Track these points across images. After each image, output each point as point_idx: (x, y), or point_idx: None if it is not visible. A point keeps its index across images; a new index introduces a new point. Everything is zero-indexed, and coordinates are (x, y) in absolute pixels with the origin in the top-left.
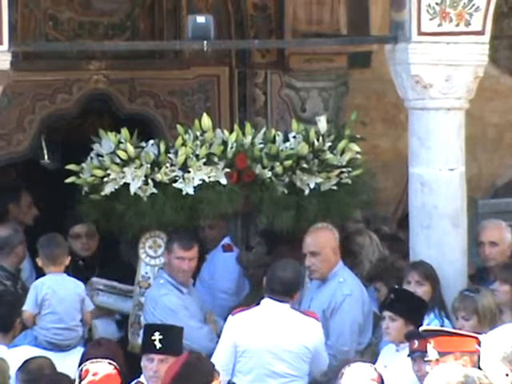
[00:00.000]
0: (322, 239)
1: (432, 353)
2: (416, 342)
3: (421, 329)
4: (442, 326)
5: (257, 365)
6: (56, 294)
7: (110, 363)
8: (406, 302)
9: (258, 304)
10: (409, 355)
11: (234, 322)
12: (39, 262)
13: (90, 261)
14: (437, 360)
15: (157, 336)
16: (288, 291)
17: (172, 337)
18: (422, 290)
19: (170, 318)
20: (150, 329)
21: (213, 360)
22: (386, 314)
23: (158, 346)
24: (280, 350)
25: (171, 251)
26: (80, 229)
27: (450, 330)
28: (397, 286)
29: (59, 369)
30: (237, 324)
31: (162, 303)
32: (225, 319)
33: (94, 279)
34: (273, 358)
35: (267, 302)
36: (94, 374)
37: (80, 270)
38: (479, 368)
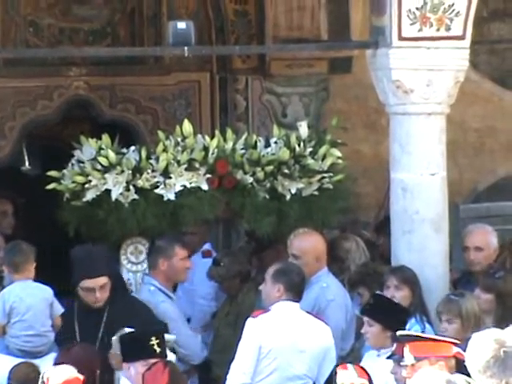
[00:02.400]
0: (305, 244)
1: (408, 357)
2: (395, 344)
3: (397, 333)
4: (423, 331)
5: (280, 366)
6: (23, 301)
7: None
8: (383, 308)
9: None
10: (388, 357)
11: (256, 324)
12: (5, 269)
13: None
14: (412, 365)
15: (154, 341)
16: (302, 291)
17: (164, 340)
18: (400, 295)
19: (169, 326)
20: (145, 334)
21: (236, 364)
22: (365, 318)
23: (158, 350)
24: (302, 352)
25: (173, 255)
26: (94, 283)
27: (424, 336)
28: (379, 292)
29: None
30: (260, 325)
31: (161, 310)
32: (205, 325)
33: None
34: (296, 360)
35: (284, 305)
36: (53, 381)
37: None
38: (461, 372)
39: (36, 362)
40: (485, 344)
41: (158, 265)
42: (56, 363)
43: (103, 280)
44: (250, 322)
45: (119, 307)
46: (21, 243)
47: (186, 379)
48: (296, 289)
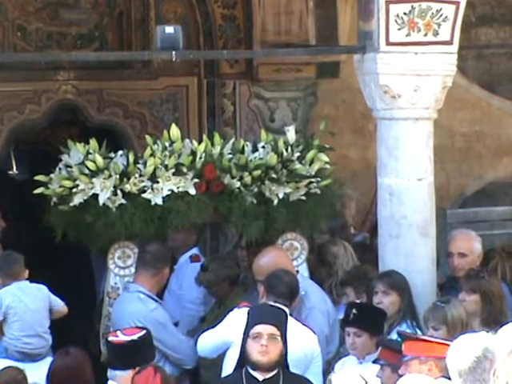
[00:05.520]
0: (267, 264)
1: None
2: (379, 349)
3: (399, 332)
4: None
5: None
6: (21, 301)
7: None
8: (369, 316)
9: None
10: (373, 361)
11: (239, 314)
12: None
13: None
14: (406, 363)
15: None
16: (292, 295)
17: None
18: (388, 300)
19: (161, 332)
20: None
21: (201, 343)
22: (351, 330)
23: None
24: None
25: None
26: (263, 328)
27: (419, 336)
28: (357, 301)
29: (32, 379)
30: (242, 315)
31: (152, 318)
32: (193, 330)
33: None
34: None
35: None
36: None
37: None
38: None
39: (33, 365)
40: (462, 349)
41: (162, 272)
42: (53, 365)
43: (274, 330)
44: (234, 310)
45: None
46: (12, 253)
47: None
48: (276, 289)
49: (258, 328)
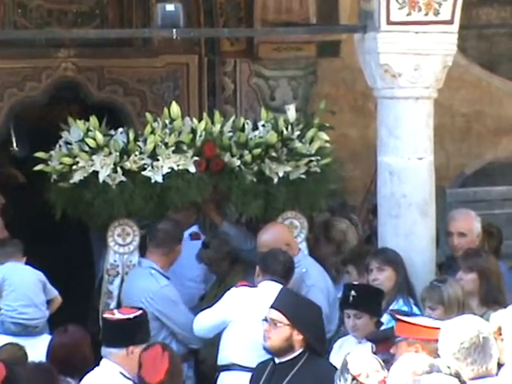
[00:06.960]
0: (270, 239)
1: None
2: (373, 346)
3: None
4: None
5: (253, 340)
6: (16, 274)
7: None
8: (367, 297)
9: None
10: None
11: (237, 293)
12: None
13: None
14: (396, 344)
15: None
16: (287, 273)
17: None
18: (383, 276)
19: (171, 309)
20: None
21: (198, 322)
22: (351, 312)
23: None
24: None
25: (182, 240)
26: (267, 313)
27: (407, 320)
28: (355, 283)
29: (31, 357)
30: (240, 294)
31: (163, 294)
32: (193, 308)
33: None
34: None
35: (267, 284)
36: None
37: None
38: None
39: (32, 342)
40: (462, 331)
41: (174, 250)
42: (52, 343)
43: (276, 315)
44: (232, 289)
45: (308, 373)
46: (9, 238)
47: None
48: (272, 267)
49: (269, 313)
